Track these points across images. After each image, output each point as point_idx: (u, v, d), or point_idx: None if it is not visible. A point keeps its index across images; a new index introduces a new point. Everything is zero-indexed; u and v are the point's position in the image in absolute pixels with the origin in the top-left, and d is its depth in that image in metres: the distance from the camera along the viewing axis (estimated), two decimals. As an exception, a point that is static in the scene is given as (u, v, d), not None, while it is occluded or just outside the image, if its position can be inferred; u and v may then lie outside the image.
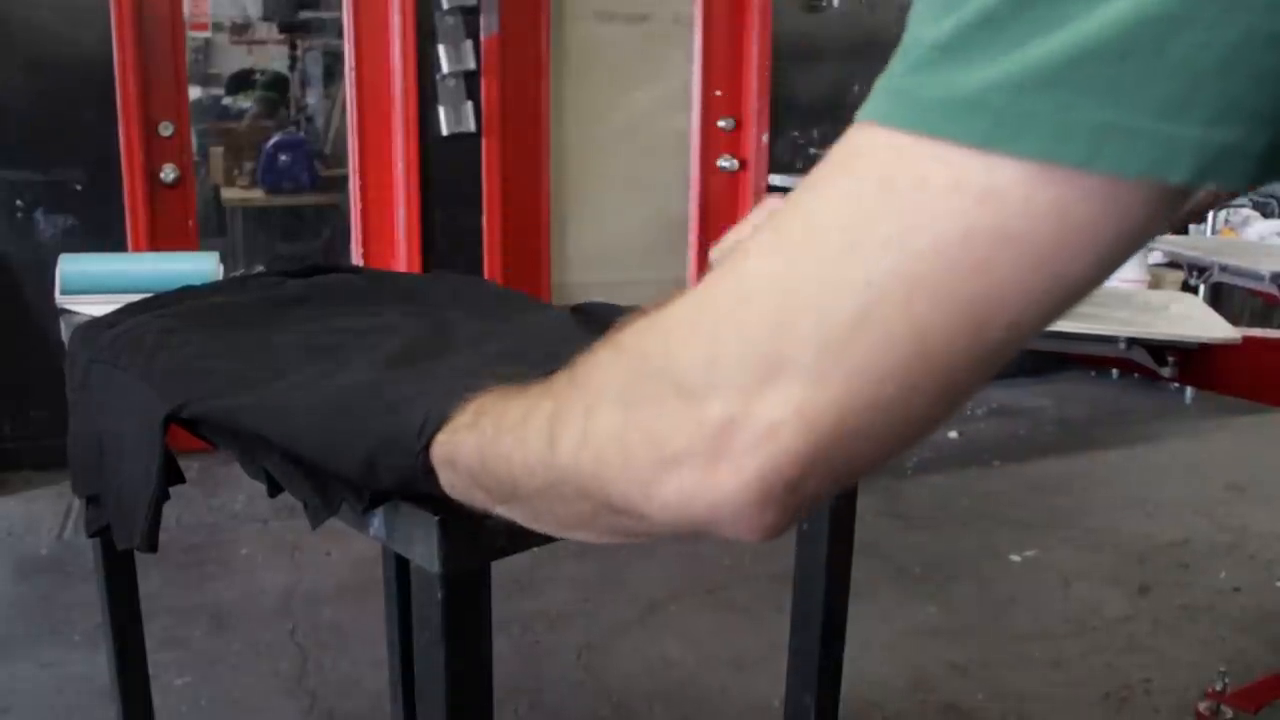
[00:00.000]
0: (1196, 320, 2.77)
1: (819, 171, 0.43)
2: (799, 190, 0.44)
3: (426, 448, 0.70)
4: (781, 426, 0.42)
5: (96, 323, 1.26)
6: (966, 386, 0.43)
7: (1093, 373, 4.90)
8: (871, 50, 4.04)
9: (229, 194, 5.49)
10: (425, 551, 0.83)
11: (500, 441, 0.60)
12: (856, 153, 0.41)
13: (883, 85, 0.41)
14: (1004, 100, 0.37)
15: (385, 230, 3.87)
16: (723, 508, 0.45)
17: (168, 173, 3.59)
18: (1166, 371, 2.66)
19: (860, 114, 0.41)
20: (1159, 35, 0.35)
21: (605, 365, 0.51)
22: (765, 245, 0.44)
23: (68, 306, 1.63)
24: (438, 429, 0.70)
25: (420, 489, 0.75)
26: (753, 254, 0.44)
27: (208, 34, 5.85)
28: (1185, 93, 0.35)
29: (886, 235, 0.40)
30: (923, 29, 0.39)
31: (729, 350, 0.43)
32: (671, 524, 0.48)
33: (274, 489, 0.93)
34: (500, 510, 0.64)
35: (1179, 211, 0.41)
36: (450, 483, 0.69)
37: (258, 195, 5.40)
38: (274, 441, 0.90)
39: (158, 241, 3.56)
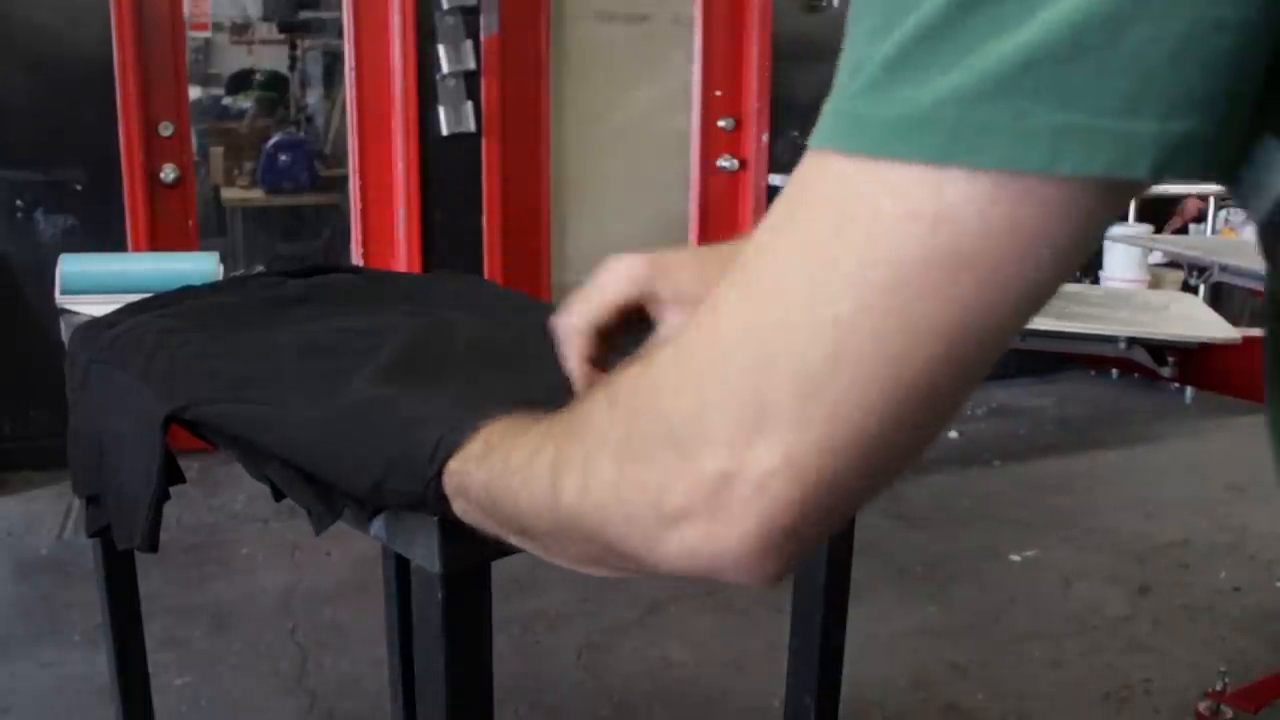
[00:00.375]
0: (1196, 320, 2.77)
1: (778, 209, 0.43)
2: (761, 231, 0.44)
3: (439, 474, 0.71)
4: (772, 477, 0.43)
5: (96, 323, 1.26)
6: (949, 405, 0.43)
7: (1093, 373, 4.90)
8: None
9: (229, 194, 5.50)
10: (425, 551, 0.83)
11: (508, 481, 0.60)
12: (810, 187, 0.42)
13: (831, 108, 0.41)
14: (958, 113, 0.37)
15: (385, 230, 3.88)
16: (725, 560, 0.45)
17: (168, 173, 3.60)
18: (1166, 371, 2.66)
19: (812, 139, 0.41)
20: (1109, 32, 0.35)
21: (601, 417, 0.51)
22: (735, 295, 0.44)
23: (68, 306, 1.63)
24: (449, 456, 0.70)
25: (430, 511, 0.75)
26: (724, 304, 0.45)
27: (208, 34, 5.85)
28: (1140, 88, 0.36)
29: (847, 272, 0.40)
30: (868, 46, 0.39)
31: (714, 403, 0.44)
32: (674, 571, 0.49)
33: (279, 493, 0.93)
34: (515, 541, 0.64)
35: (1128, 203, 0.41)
36: (463, 510, 0.69)
37: (258, 195, 5.41)
38: (277, 455, 0.90)
39: (158, 241, 3.56)
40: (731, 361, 0.43)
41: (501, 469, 0.62)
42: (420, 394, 0.92)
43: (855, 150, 0.40)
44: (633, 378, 0.49)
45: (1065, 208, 0.38)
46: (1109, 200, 0.39)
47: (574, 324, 0.79)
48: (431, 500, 0.72)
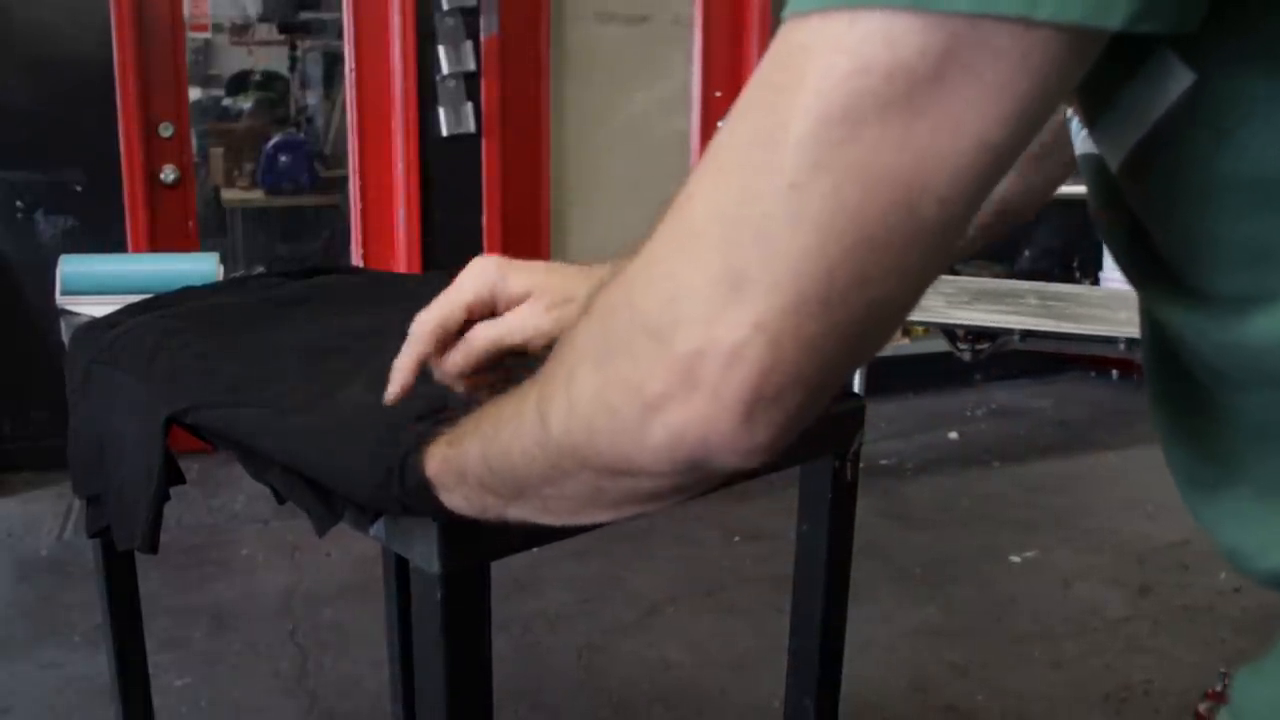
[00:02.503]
0: (1196, 321, 2.77)
1: (742, 94, 0.44)
2: (729, 113, 0.45)
3: (418, 464, 0.71)
4: (745, 346, 0.43)
5: (97, 323, 1.26)
6: (918, 271, 0.43)
7: (1093, 374, 4.90)
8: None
9: (229, 195, 5.50)
10: (425, 552, 0.83)
11: (500, 437, 0.61)
12: (769, 62, 0.42)
13: None
14: None
15: (385, 231, 3.88)
16: (712, 437, 0.45)
17: (168, 173, 3.60)
18: (1166, 372, 2.66)
19: (785, 11, 0.42)
20: None
21: (579, 332, 0.51)
22: (703, 177, 0.45)
23: (68, 307, 1.64)
24: (434, 442, 0.71)
25: (432, 514, 0.75)
26: (694, 189, 0.45)
27: (208, 35, 5.85)
28: None
29: (802, 134, 0.40)
30: None
31: (685, 284, 0.44)
32: (669, 469, 0.49)
33: (280, 496, 0.93)
34: (513, 513, 0.65)
35: (1087, 66, 0.41)
36: (465, 497, 0.69)
37: (258, 196, 5.41)
38: (278, 460, 0.90)
39: (158, 242, 3.56)
40: (699, 242, 0.44)
41: (493, 432, 0.62)
42: (412, 395, 0.93)
43: (813, 8, 0.40)
44: (607, 289, 0.50)
45: (1030, 58, 0.38)
46: (1075, 53, 0.39)
47: (425, 319, 0.82)
48: (422, 495, 0.72)
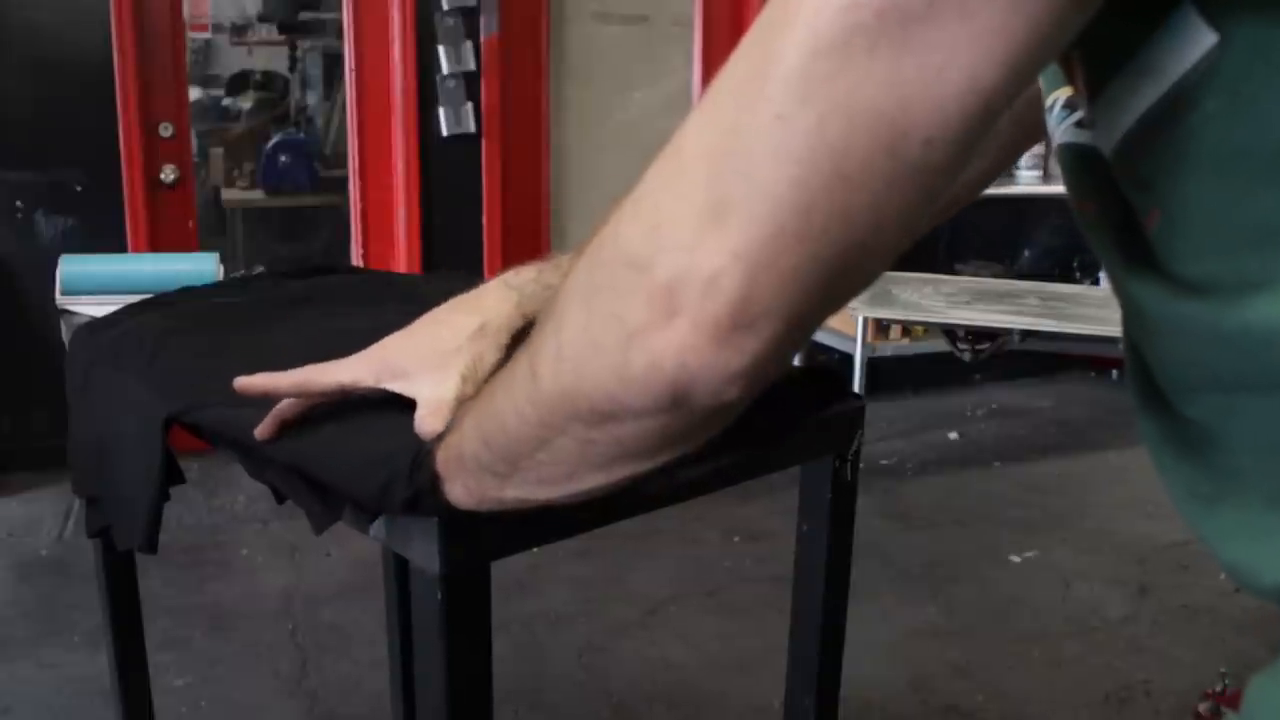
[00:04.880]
0: (1196, 321, 2.77)
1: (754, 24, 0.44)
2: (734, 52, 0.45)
3: (432, 456, 0.71)
4: (721, 274, 0.43)
5: (97, 323, 1.26)
6: (901, 210, 0.43)
7: (1092, 374, 4.90)
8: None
9: (229, 195, 5.50)
10: (425, 552, 0.83)
11: (493, 404, 0.61)
12: (769, 5, 0.42)
13: None
14: None
15: (385, 231, 3.88)
16: (689, 362, 0.46)
17: (168, 174, 3.60)
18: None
19: None
20: None
21: (569, 280, 0.52)
22: (698, 112, 0.45)
23: (68, 307, 1.64)
24: (439, 439, 0.71)
25: (435, 510, 0.75)
26: (688, 123, 0.46)
27: (208, 35, 5.86)
28: None
29: (789, 68, 0.41)
30: None
31: (669, 215, 0.45)
32: (651, 403, 0.49)
33: (280, 495, 0.93)
34: (510, 493, 0.65)
35: (1086, 16, 0.40)
36: (464, 484, 0.69)
37: (258, 196, 5.41)
38: (279, 460, 0.90)
39: (158, 242, 3.56)
40: (686, 174, 0.45)
41: (486, 401, 0.63)
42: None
43: None
44: (597, 231, 0.50)
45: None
46: (1068, 2, 0.38)
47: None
48: (429, 490, 0.72)
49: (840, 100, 0.40)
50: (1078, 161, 0.52)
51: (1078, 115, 0.52)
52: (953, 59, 0.39)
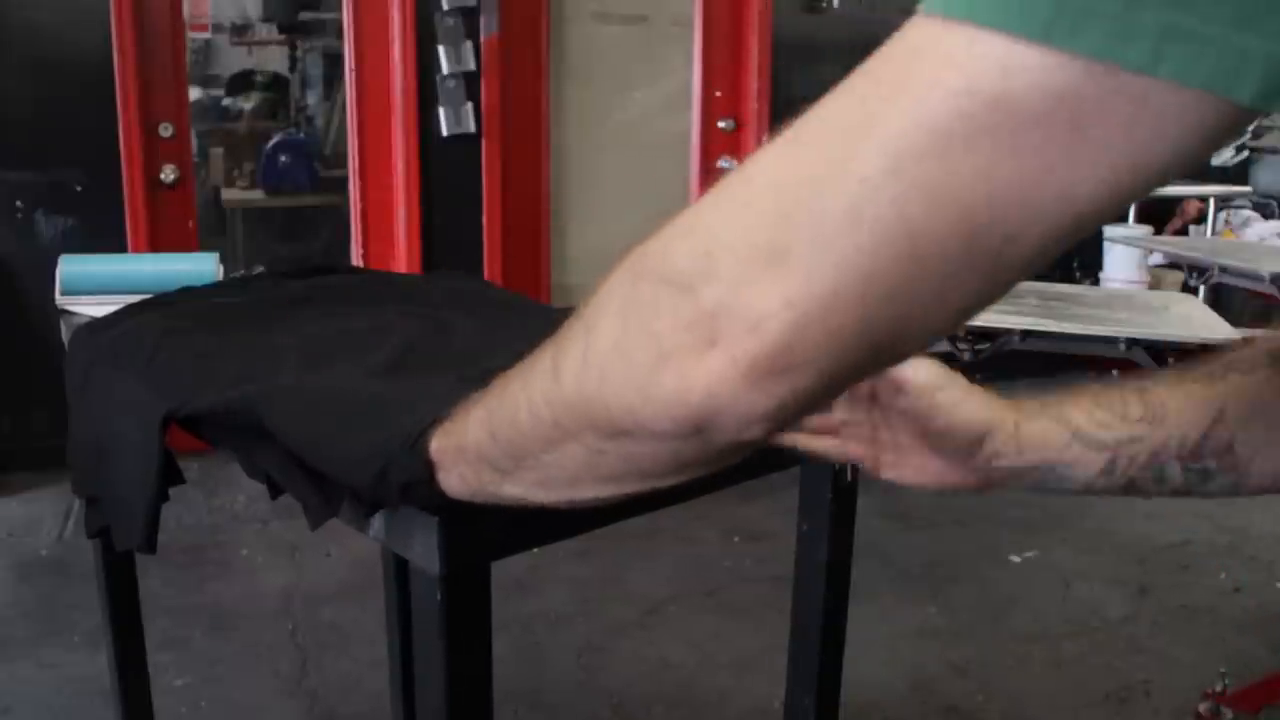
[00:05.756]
0: (1196, 321, 2.77)
1: (850, 76, 0.42)
2: (826, 95, 0.44)
3: (427, 441, 0.71)
4: (770, 319, 0.43)
5: (96, 324, 1.26)
6: (962, 297, 0.42)
7: (1092, 374, 4.90)
8: (872, 50, 4.04)
9: (229, 195, 5.49)
10: (425, 552, 0.83)
11: (507, 398, 0.60)
12: (884, 54, 0.41)
13: None
14: None
15: (385, 231, 3.87)
16: (718, 396, 0.45)
17: (168, 174, 3.59)
18: (1167, 372, 2.66)
19: (922, 5, 0.40)
20: None
21: (606, 287, 0.51)
22: (778, 146, 0.44)
23: (68, 307, 1.64)
24: (437, 422, 0.70)
25: (430, 499, 0.75)
26: (763, 157, 0.45)
27: (208, 35, 5.85)
28: (1262, 1, 0.34)
29: (887, 135, 0.39)
30: None
31: (725, 242, 0.44)
32: (670, 427, 0.48)
33: (275, 490, 0.93)
34: (508, 490, 0.64)
35: (1212, 149, 0.38)
36: (461, 475, 0.69)
37: (258, 196, 5.41)
38: (275, 439, 0.90)
39: (158, 242, 3.56)
40: (752, 208, 0.44)
41: (499, 395, 0.62)
42: (411, 385, 0.93)
43: (956, 14, 0.38)
44: (644, 243, 0.49)
45: (1142, 117, 0.36)
46: (1194, 123, 0.36)
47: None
48: (424, 475, 0.71)
49: (928, 182, 0.39)
50: None
51: None
52: (1052, 169, 0.38)
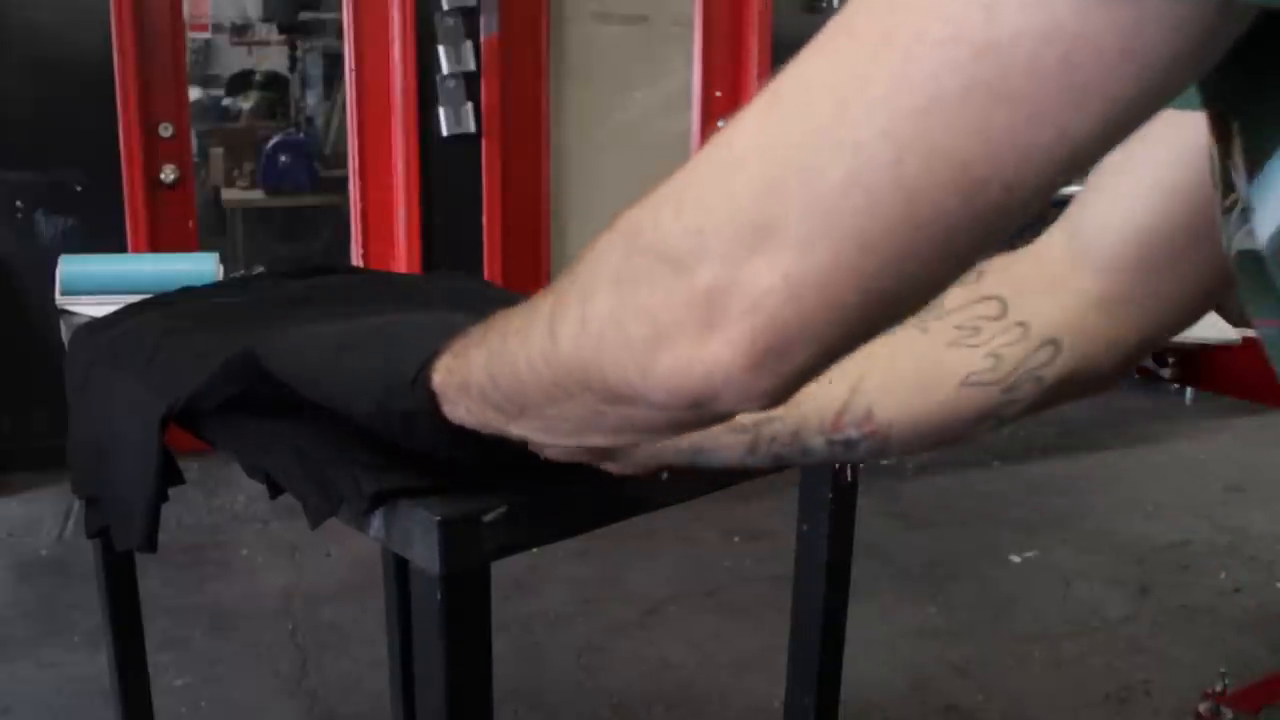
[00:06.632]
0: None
1: (823, 31, 0.41)
2: (802, 51, 0.42)
3: (429, 373, 0.71)
4: (768, 295, 0.42)
5: (96, 324, 1.26)
6: (962, 253, 0.42)
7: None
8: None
9: (229, 195, 5.50)
10: (424, 552, 0.83)
11: (506, 349, 0.60)
12: (860, 6, 0.40)
13: None
14: None
15: (385, 231, 3.87)
16: (717, 377, 0.45)
17: (168, 174, 3.59)
18: (1166, 372, 2.66)
19: None
20: None
21: (600, 249, 0.50)
22: (758, 110, 0.43)
23: (68, 307, 1.64)
24: (440, 354, 0.71)
25: (428, 426, 0.74)
26: (745, 119, 0.43)
27: (208, 35, 5.86)
28: None
29: (876, 95, 0.38)
30: None
31: (717, 218, 0.43)
32: (670, 401, 0.48)
33: (275, 490, 0.93)
34: (515, 430, 0.65)
35: (1208, 64, 0.37)
36: (468, 409, 0.69)
37: (258, 196, 5.41)
38: (276, 377, 0.89)
39: (158, 242, 3.56)
40: (740, 177, 0.42)
41: (500, 342, 0.61)
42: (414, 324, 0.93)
43: None
44: (634, 207, 0.48)
45: (1134, 46, 0.35)
46: (1183, 43, 0.35)
47: None
48: (426, 408, 0.71)
49: (922, 140, 0.38)
50: (1252, 268, 0.47)
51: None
52: (1047, 109, 0.37)
